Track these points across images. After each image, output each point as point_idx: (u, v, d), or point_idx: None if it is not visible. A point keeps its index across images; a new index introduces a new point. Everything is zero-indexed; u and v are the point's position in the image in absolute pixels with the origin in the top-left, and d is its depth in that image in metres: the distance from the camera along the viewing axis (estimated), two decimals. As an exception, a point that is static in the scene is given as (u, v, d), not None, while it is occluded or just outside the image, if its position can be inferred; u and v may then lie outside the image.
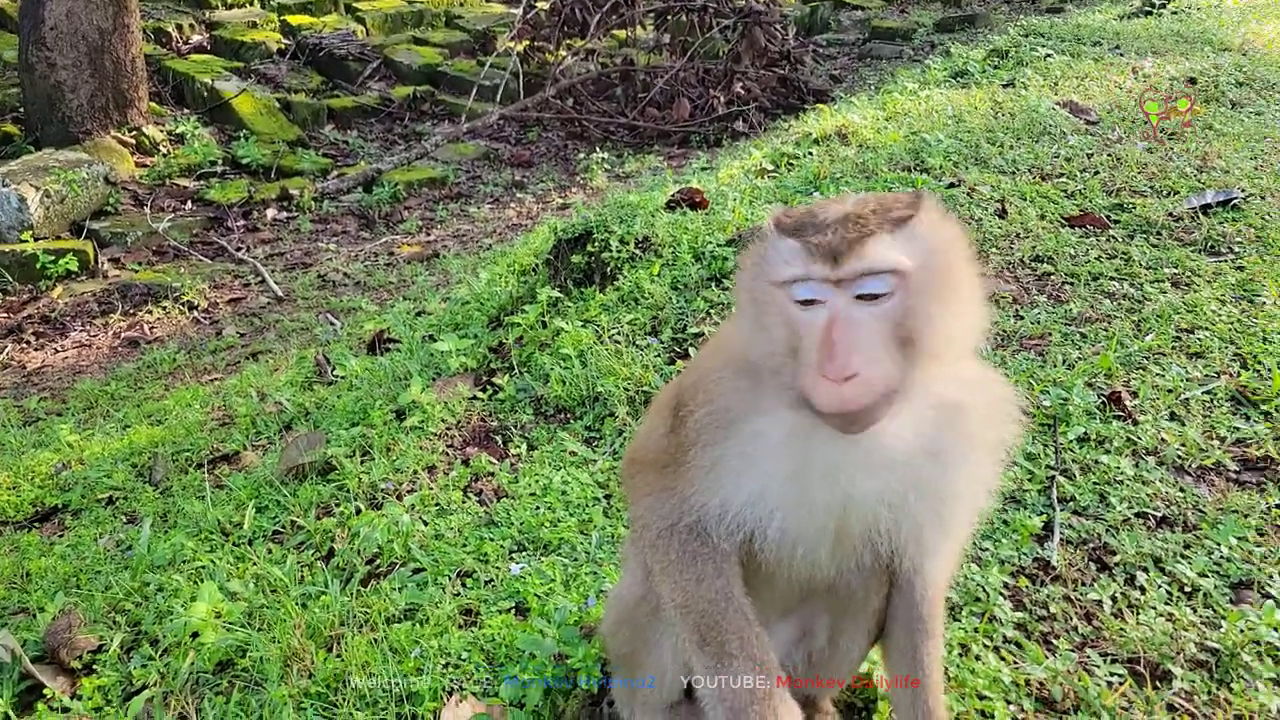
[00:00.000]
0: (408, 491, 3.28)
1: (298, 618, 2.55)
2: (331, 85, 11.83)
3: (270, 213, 9.46)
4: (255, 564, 2.98)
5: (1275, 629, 2.29)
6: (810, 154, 5.81)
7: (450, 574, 2.76)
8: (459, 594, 2.68)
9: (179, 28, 12.04)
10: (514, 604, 2.59)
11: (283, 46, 12.19)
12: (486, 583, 2.73)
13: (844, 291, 1.39)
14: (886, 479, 1.53)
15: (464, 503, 3.17)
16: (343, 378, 4.80)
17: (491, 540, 2.91)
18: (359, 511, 3.16)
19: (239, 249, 8.79)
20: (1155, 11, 9.14)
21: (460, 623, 2.55)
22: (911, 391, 1.44)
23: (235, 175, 9.98)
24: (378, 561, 2.90)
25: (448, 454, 3.54)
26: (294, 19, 12.59)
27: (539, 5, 11.98)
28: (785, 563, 1.61)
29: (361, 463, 3.53)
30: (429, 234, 9.15)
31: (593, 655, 2.16)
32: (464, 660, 2.36)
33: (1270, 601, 2.40)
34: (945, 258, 1.44)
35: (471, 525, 3.02)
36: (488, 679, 2.28)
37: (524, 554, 2.84)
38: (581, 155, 10.49)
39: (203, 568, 3.05)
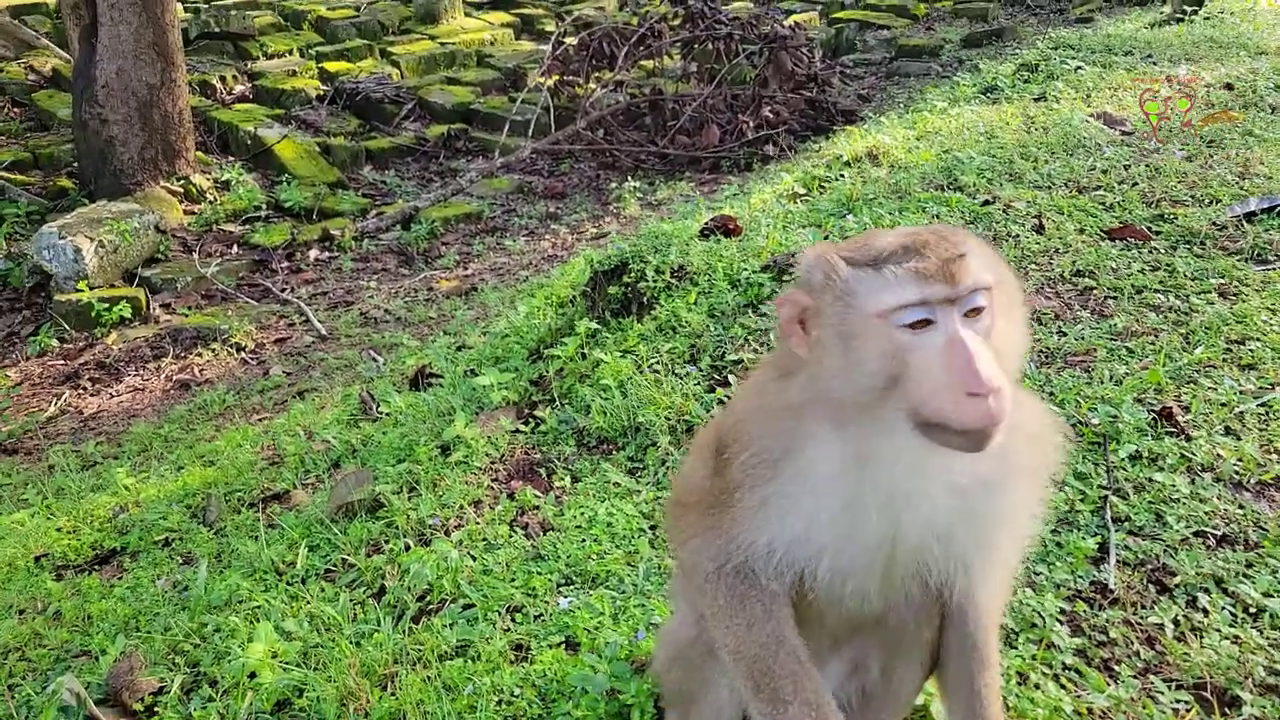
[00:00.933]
0: (455, 527, 3.31)
1: (352, 656, 2.58)
2: (369, 127, 12.07)
3: (313, 253, 9.65)
4: (309, 603, 3.02)
5: (1345, 648, 2.22)
6: (842, 176, 5.81)
7: (500, 609, 2.78)
8: (509, 629, 2.69)
9: (223, 79, 12.38)
10: (564, 638, 2.60)
11: (321, 92, 12.47)
12: (536, 617, 2.74)
13: (955, 310, 1.41)
14: (936, 509, 1.52)
15: (510, 537, 3.19)
16: (387, 414, 4.86)
17: (539, 574, 2.92)
18: (408, 548, 3.20)
19: (283, 290, 8.97)
20: (1187, 18, 9.04)
21: (511, 658, 2.56)
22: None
23: (278, 219, 10.20)
24: (428, 598, 2.92)
25: (493, 488, 3.57)
26: (332, 66, 12.88)
27: (567, 41, 12.14)
28: (835, 598, 1.60)
29: (409, 499, 3.57)
30: (466, 268, 9.27)
31: (645, 690, 2.16)
32: (517, 696, 2.37)
33: (1339, 620, 2.33)
34: (1007, 275, 1.53)
35: (519, 559, 3.04)
36: (540, 715, 2.28)
37: (572, 587, 2.85)
38: (613, 185, 10.57)
39: (258, 607, 3.10)
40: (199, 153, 10.72)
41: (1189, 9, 9.25)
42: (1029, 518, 1.64)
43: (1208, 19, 9.08)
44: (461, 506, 3.44)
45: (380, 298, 8.72)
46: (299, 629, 2.88)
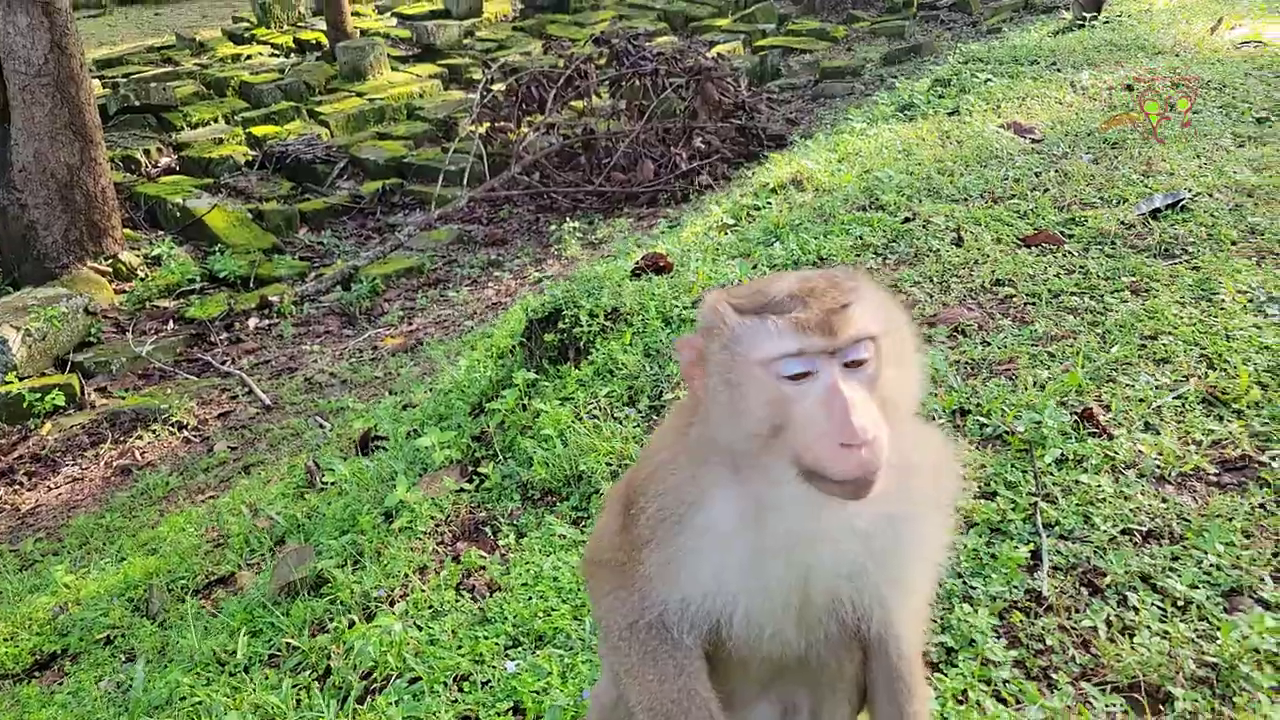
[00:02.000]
0: (400, 597, 3.27)
1: (297, 744, 2.53)
2: (301, 190, 12.00)
3: (252, 322, 9.54)
4: (252, 693, 2.96)
5: (1271, 636, 2.28)
6: (769, 204, 5.90)
7: (446, 680, 2.75)
8: (456, 700, 2.66)
9: (147, 152, 12.25)
10: (512, 704, 2.58)
11: (250, 158, 12.40)
12: (484, 685, 2.71)
13: (835, 361, 1.43)
14: (840, 550, 1.54)
15: (457, 601, 3.16)
16: (332, 484, 4.80)
17: (486, 639, 2.90)
18: (352, 624, 3.15)
19: (224, 362, 8.84)
20: (1087, 24, 9.36)
21: (459, 730, 2.54)
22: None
23: (214, 290, 10.07)
24: (374, 675, 2.88)
25: (438, 552, 3.54)
26: (259, 130, 12.81)
27: (495, 88, 12.22)
28: (754, 645, 1.61)
29: (353, 572, 3.52)
30: (410, 323, 9.22)
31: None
32: (465, 769, 2.34)
33: (1263, 608, 2.39)
34: (898, 323, 1.53)
35: (466, 625, 3.01)
36: (489, 786, 2.26)
37: (519, 649, 2.82)
38: (553, 227, 10.61)
39: (199, 704, 3.03)
40: (127, 229, 10.58)
41: (1088, 15, 9.57)
42: (937, 547, 1.66)
43: (1106, 23, 9.41)
44: (406, 575, 3.40)
45: (324, 361, 8.63)
46: (243, 720, 2.82)
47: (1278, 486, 2.86)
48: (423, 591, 3.25)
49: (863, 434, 1.36)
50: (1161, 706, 2.20)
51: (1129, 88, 6.62)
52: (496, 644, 2.86)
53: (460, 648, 2.88)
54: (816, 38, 15.77)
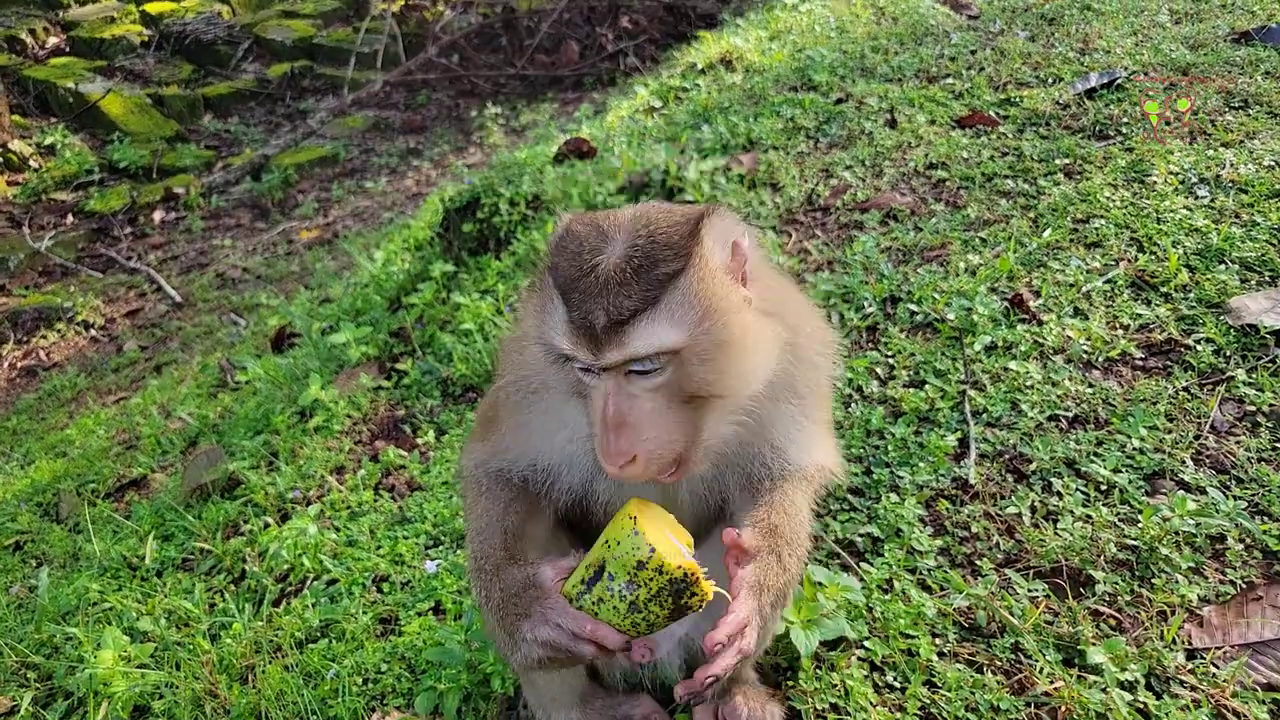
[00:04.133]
0: (316, 498, 3.15)
1: (208, 653, 2.43)
2: (204, 73, 11.26)
3: (158, 215, 9.03)
4: (164, 598, 2.84)
5: (1190, 517, 2.29)
6: (697, 85, 5.66)
7: (365, 581, 2.65)
8: (375, 601, 2.57)
9: (32, 32, 11.30)
10: (433, 604, 2.50)
11: (146, 39, 11.54)
12: (404, 585, 2.63)
13: (611, 373, 1.34)
14: None
15: (375, 502, 3.05)
16: (246, 383, 4.60)
17: (406, 539, 2.80)
18: (267, 527, 3.02)
19: (129, 258, 8.38)
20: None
21: (378, 633, 2.45)
22: (709, 437, 1.44)
23: (115, 181, 9.48)
24: (290, 578, 2.77)
25: (355, 451, 3.40)
26: (153, 8, 11.90)
27: (410, -39, 11.51)
28: (590, 503, 1.65)
29: (267, 473, 3.37)
30: (327, 215, 8.84)
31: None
32: (383, 673, 2.26)
33: (1184, 490, 2.40)
34: (723, 310, 1.34)
35: (384, 525, 2.90)
36: (409, 690, 2.19)
37: (439, 549, 2.74)
38: (474, 113, 10.18)
39: (110, 609, 2.89)
40: (15, 116, 9.83)
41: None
42: (812, 418, 1.64)
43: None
44: (323, 475, 3.27)
45: (237, 256, 8.25)
46: (154, 628, 2.70)
47: (1201, 370, 2.86)
48: (340, 492, 3.13)
49: (621, 456, 1.33)
50: (1083, 589, 2.21)
51: (1066, -37, 6.44)
52: (416, 544, 2.76)
53: (379, 549, 2.78)
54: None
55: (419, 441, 3.36)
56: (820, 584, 2.03)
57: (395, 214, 8.35)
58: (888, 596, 2.17)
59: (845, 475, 1.74)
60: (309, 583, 2.72)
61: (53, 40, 11.47)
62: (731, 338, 1.34)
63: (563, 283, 1.34)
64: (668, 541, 1.43)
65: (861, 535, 2.44)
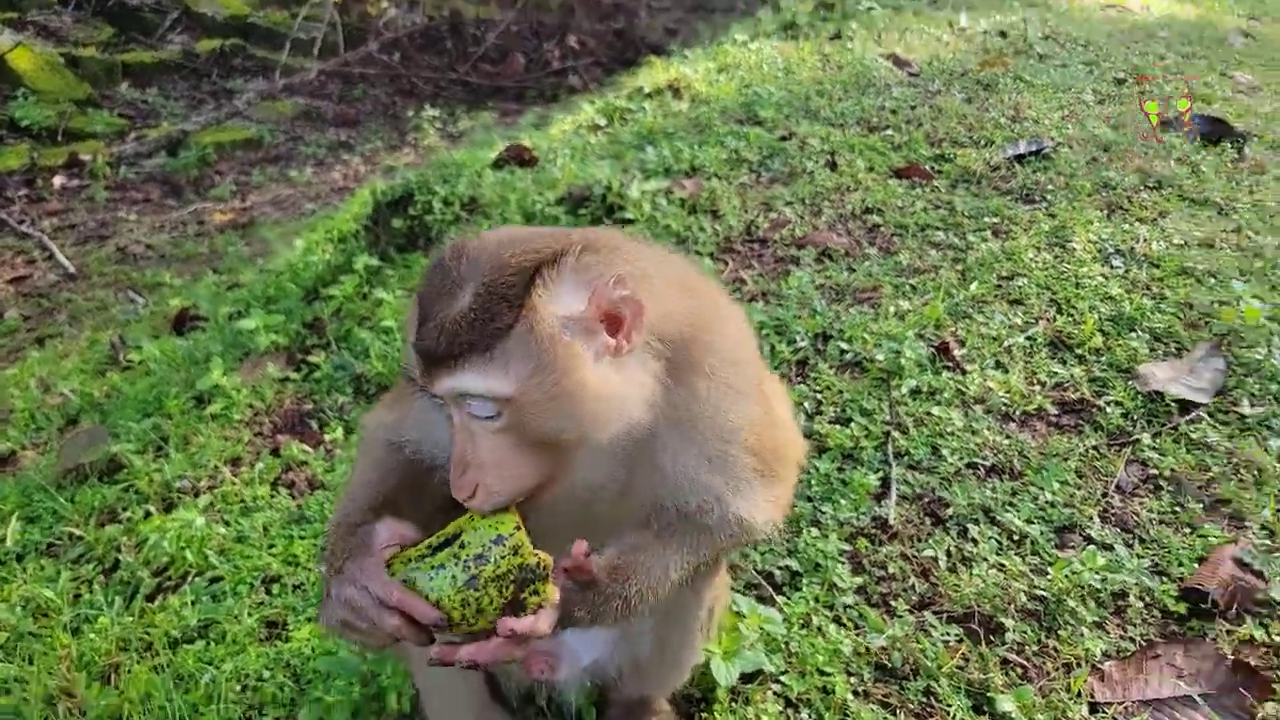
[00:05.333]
0: (207, 489, 2.95)
1: (67, 646, 2.22)
2: (126, 39, 10.75)
3: (58, 180, 8.54)
4: (22, 584, 2.60)
5: (1096, 573, 2.32)
6: (644, 108, 5.65)
7: (253, 581, 2.48)
8: (262, 603, 2.40)
9: (-62, -27, 10.64)
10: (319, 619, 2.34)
11: (65, -5, 10.98)
12: (295, 588, 2.46)
13: (457, 407, 1.33)
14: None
15: (272, 498, 2.87)
16: (139, 363, 4.33)
17: (302, 539, 2.64)
18: (148, 516, 2.81)
19: (21, 222, 7.88)
20: (970, -34, 9.42)
21: (263, 636, 2.29)
22: (578, 466, 1.41)
23: (14, 139, 8.93)
24: (169, 573, 2.57)
25: (255, 443, 3.22)
26: (78, -36, 11.34)
27: (357, -47, 11.28)
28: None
29: (154, 460, 3.15)
30: (244, 200, 8.49)
31: (402, 670, 1.95)
32: (265, 680, 2.10)
33: (1091, 546, 2.44)
34: (556, 366, 1.30)
35: (280, 523, 2.73)
36: (292, 700, 2.04)
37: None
38: (411, 113, 9.97)
39: (-42, 591, 2.64)
40: (-89, 61, 9.21)
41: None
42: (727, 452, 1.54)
43: (986, -32, 9.51)
44: (216, 466, 3.07)
45: (141, 231, 7.84)
46: (8, 616, 2.47)
47: (1110, 431, 2.94)
48: (234, 485, 2.94)
49: (462, 490, 1.33)
50: (993, 636, 2.21)
51: (1003, 34, 6.69)
52: (313, 545, 2.61)
53: (272, 547, 2.61)
54: (701, -51, 15.33)
55: (325, 438, 3.19)
56: (741, 614, 1.97)
57: (319, 206, 8.08)
58: (805, 631, 2.13)
59: (776, 530, 1.63)
60: (190, 579, 2.54)
61: (-38, -14, 10.81)
62: (566, 391, 1.30)
63: (419, 308, 1.34)
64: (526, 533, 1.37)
65: (780, 568, 2.40)
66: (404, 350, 1.41)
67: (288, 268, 4.82)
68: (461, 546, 1.33)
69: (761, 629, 1.99)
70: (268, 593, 2.46)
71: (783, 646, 2.08)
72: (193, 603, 2.39)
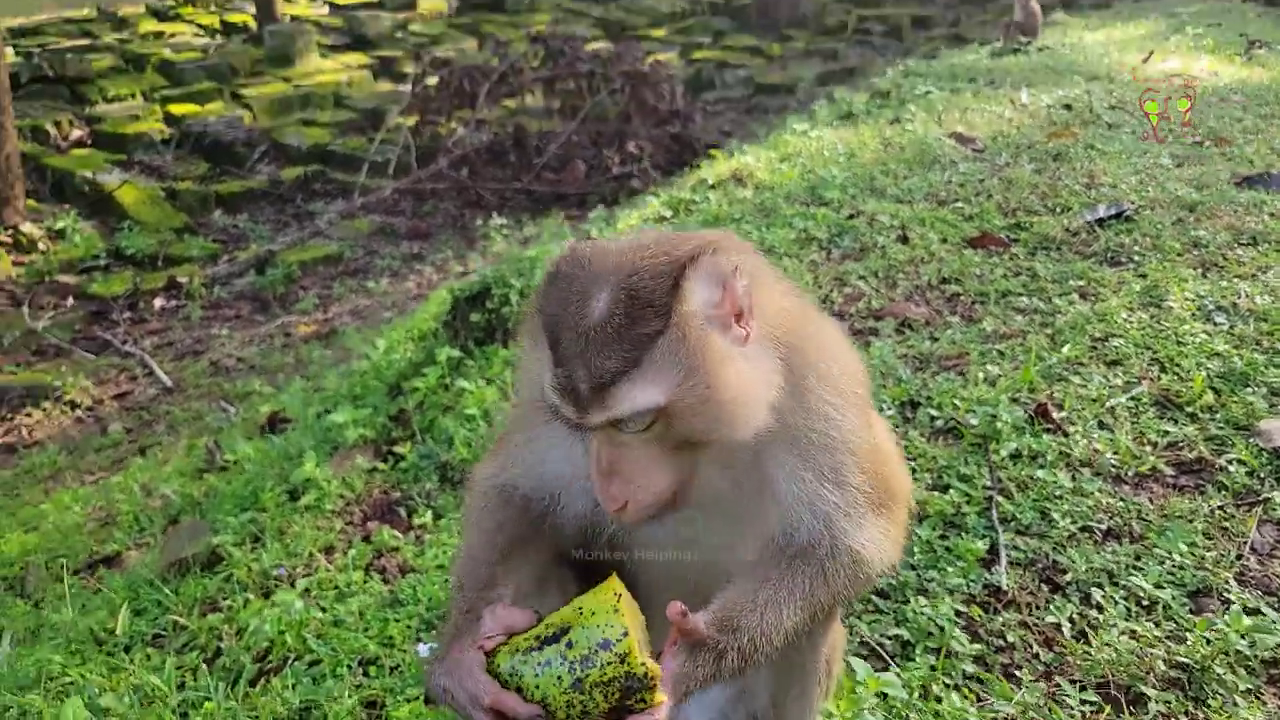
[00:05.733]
0: (303, 576, 2.96)
1: (174, 734, 2.22)
2: (219, 171, 11.44)
3: (158, 302, 8.99)
4: (131, 673, 2.62)
5: (1244, 636, 2.16)
6: (708, 198, 5.75)
7: (351, 663, 2.46)
8: (361, 685, 2.37)
9: (57, 124, 11.53)
10: (422, 690, 2.30)
11: (167, 136, 11.77)
12: (392, 669, 2.43)
13: (598, 430, 1.33)
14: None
15: (365, 583, 2.87)
16: (234, 463, 4.44)
17: (397, 621, 2.62)
18: (247, 604, 2.83)
19: (125, 342, 8.28)
20: (1022, 49, 9.53)
21: (363, 718, 2.25)
22: (705, 469, 1.40)
23: (120, 267, 9.49)
24: (269, 657, 2.57)
25: (346, 531, 3.24)
26: (178, 109, 12.20)
27: (428, 80, 11.88)
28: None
29: (251, 550, 3.19)
30: (326, 311, 8.80)
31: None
32: (368, 762, 2.06)
33: (1235, 606, 2.27)
34: (706, 365, 1.30)
35: (375, 607, 2.72)
36: (396, 781, 1.99)
37: (433, 633, 2.55)
38: (479, 223, 10.30)
39: (71, 683, 2.67)
40: (30, 201, 9.92)
41: (1024, 40, 9.75)
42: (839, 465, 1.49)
43: (1041, 50, 9.59)
44: (311, 554, 3.09)
45: (233, 345, 8.16)
46: (118, 704, 2.48)
47: (1235, 490, 2.78)
48: (328, 571, 2.95)
49: (615, 503, 1.33)
50: (1134, 707, 2.05)
51: (1068, 107, 6.69)
52: (408, 627, 2.58)
53: (368, 630, 2.59)
54: (751, 54, 15.83)
55: (414, 524, 3.20)
56: (857, 678, 1.87)
57: (395, 313, 8.32)
58: (925, 700, 2.01)
59: (892, 566, 1.57)
60: (290, 663, 2.52)
61: (76, 133, 11.68)
62: (717, 387, 1.30)
63: (549, 330, 1.33)
64: (639, 634, 1.34)
65: (890, 637, 2.28)
66: (532, 380, 1.40)
67: (371, 367, 4.94)
68: (570, 646, 1.31)
69: (880, 694, 1.88)
70: (365, 674, 2.43)
71: (904, 716, 1.97)
72: (293, 685, 2.38)
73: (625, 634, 1.29)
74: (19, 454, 6.65)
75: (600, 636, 1.30)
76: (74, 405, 7.28)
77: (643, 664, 1.29)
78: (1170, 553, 2.50)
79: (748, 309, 1.34)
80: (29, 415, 7.18)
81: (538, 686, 1.30)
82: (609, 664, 1.29)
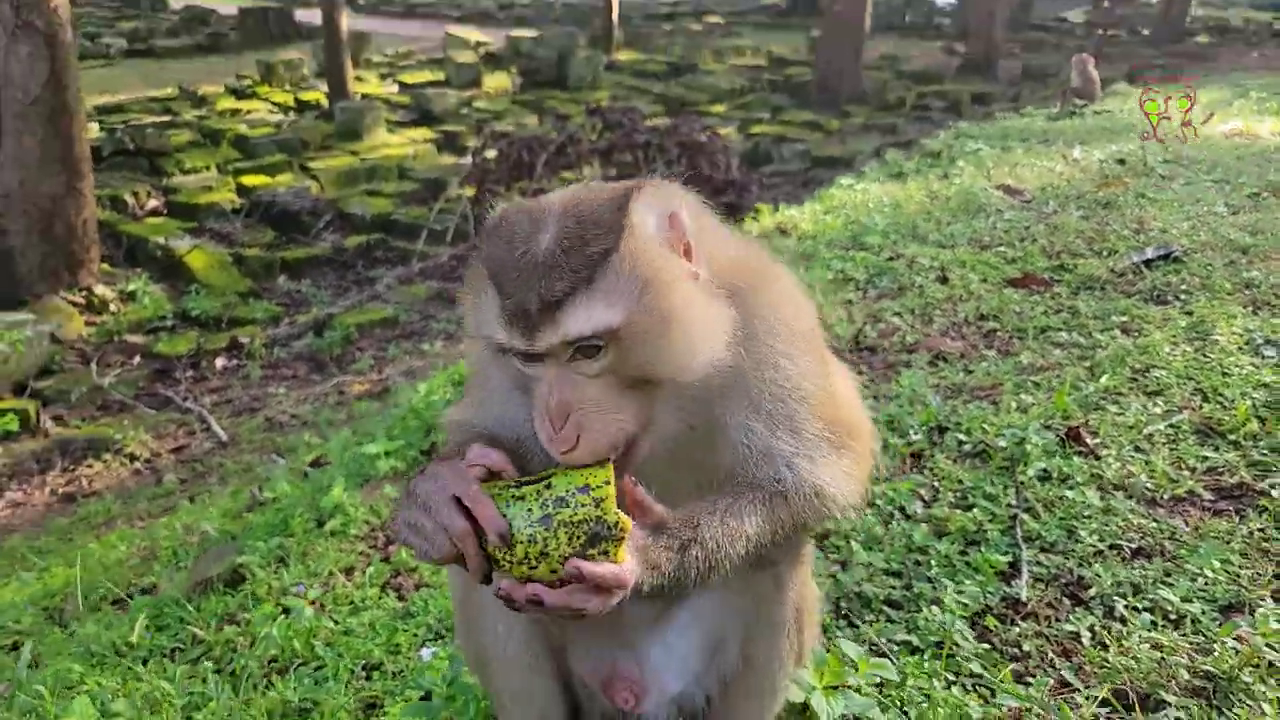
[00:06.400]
0: (320, 590, 2.97)
1: (173, 727, 2.22)
2: (285, 239, 11.92)
3: (220, 362, 9.29)
4: (145, 682, 2.64)
5: (1274, 640, 2.02)
6: (750, 248, 5.78)
7: (355, 668, 2.44)
8: (362, 688, 2.35)
9: (135, 194, 12.19)
10: (423, 691, 2.27)
11: (237, 205, 12.34)
12: (395, 674, 2.41)
13: (551, 361, 1.30)
14: None
15: (380, 599, 2.87)
16: (272, 500, 4.51)
17: (405, 631, 2.60)
18: (259, 608, 2.84)
19: (185, 399, 8.55)
20: (1078, 112, 9.50)
21: (359, 717, 2.22)
22: (660, 415, 1.37)
23: (185, 328, 9.86)
24: (277, 662, 2.57)
25: (367, 554, 3.25)
26: (249, 180, 12.80)
27: (487, 152, 12.29)
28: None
29: (274, 570, 3.22)
30: (380, 372, 8.98)
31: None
32: (357, 754, 2.03)
33: (1263, 610, 2.14)
34: (660, 282, 1.29)
35: (386, 619, 2.71)
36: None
37: (440, 641, 2.53)
38: (534, 287, 10.50)
39: (86, 690, 2.69)
40: (105, 265, 10.42)
41: (1080, 103, 9.73)
42: (801, 386, 1.48)
43: (1098, 114, 9.55)
44: (331, 573, 3.10)
45: (288, 403, 8.36)
46: (127, 709, 2.49)
47: (1278, 515, 2.63)
48: (345, 588, 2.96)
49: (566, 442, 1.29)
50: (1150, 712, 1.92)
51: (1121, 161, 6.61)
52: (415, 636, 2.56)
53: (376, 638, 2.58)
54: (810, 128, 16.04)
55: (434, 545, 3.19)
56: (849, 660, 1.79)
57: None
58: (925, 689, 1.91)
59: (855, 510, 1.53)
60: (295, 667, 2.52)
61: (153, 203, 12.32)
62: (671, 311, 1.29)
63: (495, 270, 1.31)
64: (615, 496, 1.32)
65: (898, 643, 2.19)
66: (478, 323, 1.37)
67: (411, 410, 5.01)
68: (547, 487, 1.31)
69: (875, 675, 1.79)
70: (368, 678, 2.41)
71: (898, 702, 1.87)
72: (295, 687, 2.37)
73: (607, 483, 1.29)
74: (78, 503, 6.85)
75: (581, 482, 1.29)
76: (133, 458, 7.50)
77: (616, 514, 1.28)
78: (1202, 569, 2.37)
79: (696, 248, 1.33)
80: (89, 466, 7.42)
81: (504, 515, 1.29)
82: (583, 505, 1.28)
